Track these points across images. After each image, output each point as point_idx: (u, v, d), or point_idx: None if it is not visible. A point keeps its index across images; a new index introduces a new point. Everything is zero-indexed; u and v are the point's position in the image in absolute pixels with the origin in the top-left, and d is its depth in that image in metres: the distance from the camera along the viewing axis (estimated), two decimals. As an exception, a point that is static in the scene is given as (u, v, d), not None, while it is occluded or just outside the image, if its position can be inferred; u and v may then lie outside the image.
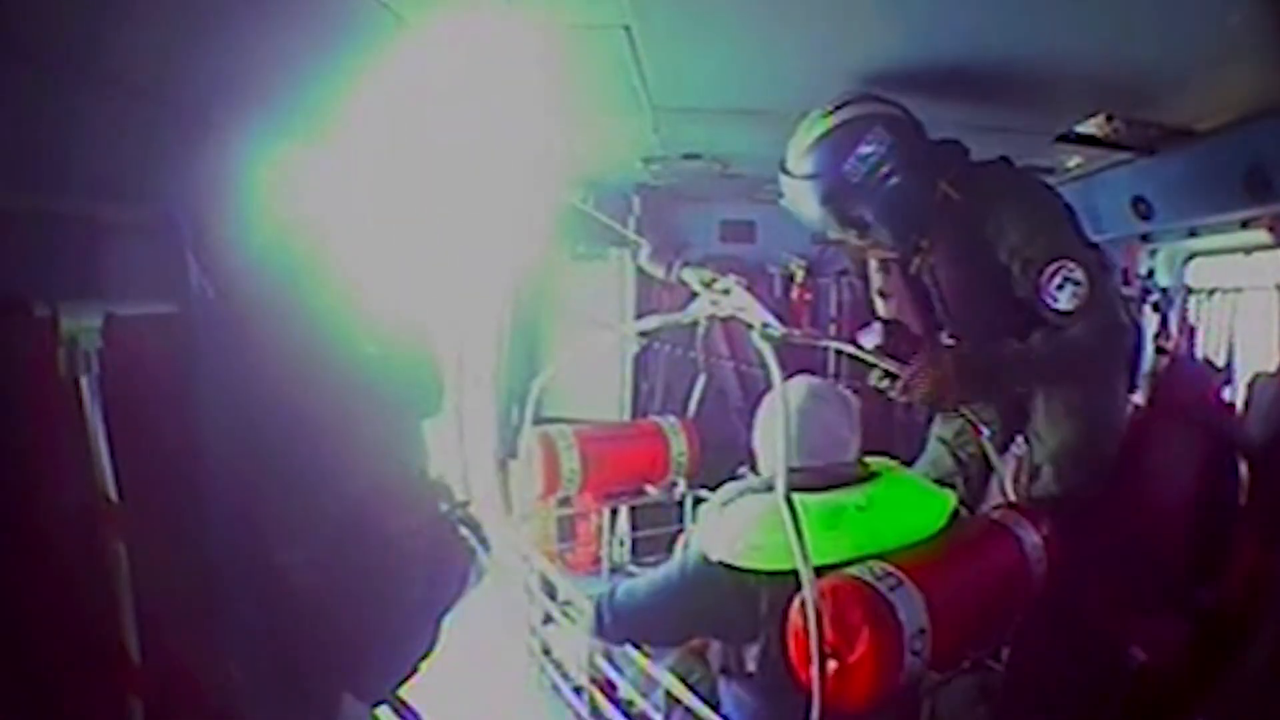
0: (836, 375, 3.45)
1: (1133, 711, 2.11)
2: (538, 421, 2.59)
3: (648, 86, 2.04)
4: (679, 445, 2.74)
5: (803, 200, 1.98)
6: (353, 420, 1.53)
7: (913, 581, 1.38)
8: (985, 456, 2.01)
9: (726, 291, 2.15)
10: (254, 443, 1.40)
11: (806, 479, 1.57)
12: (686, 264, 2.50)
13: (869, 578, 1.38)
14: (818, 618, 1.29)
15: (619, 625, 1.77)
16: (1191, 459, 2.63)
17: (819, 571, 1.34)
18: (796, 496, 1.39)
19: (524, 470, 2.46)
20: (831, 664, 1.32)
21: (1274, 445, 2.27)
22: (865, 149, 1.88)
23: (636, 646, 1.83)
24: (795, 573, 1.33)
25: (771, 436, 1.67)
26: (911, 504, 1.65)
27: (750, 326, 1.81)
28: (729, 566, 1.54)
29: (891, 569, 1.40)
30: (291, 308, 1.48)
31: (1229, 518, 2.40)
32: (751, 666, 1.60)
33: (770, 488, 1.46)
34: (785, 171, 1.99)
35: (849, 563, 1.44)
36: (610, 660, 1.97)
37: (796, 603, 1.35)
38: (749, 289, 2.17)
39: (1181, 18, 1.51)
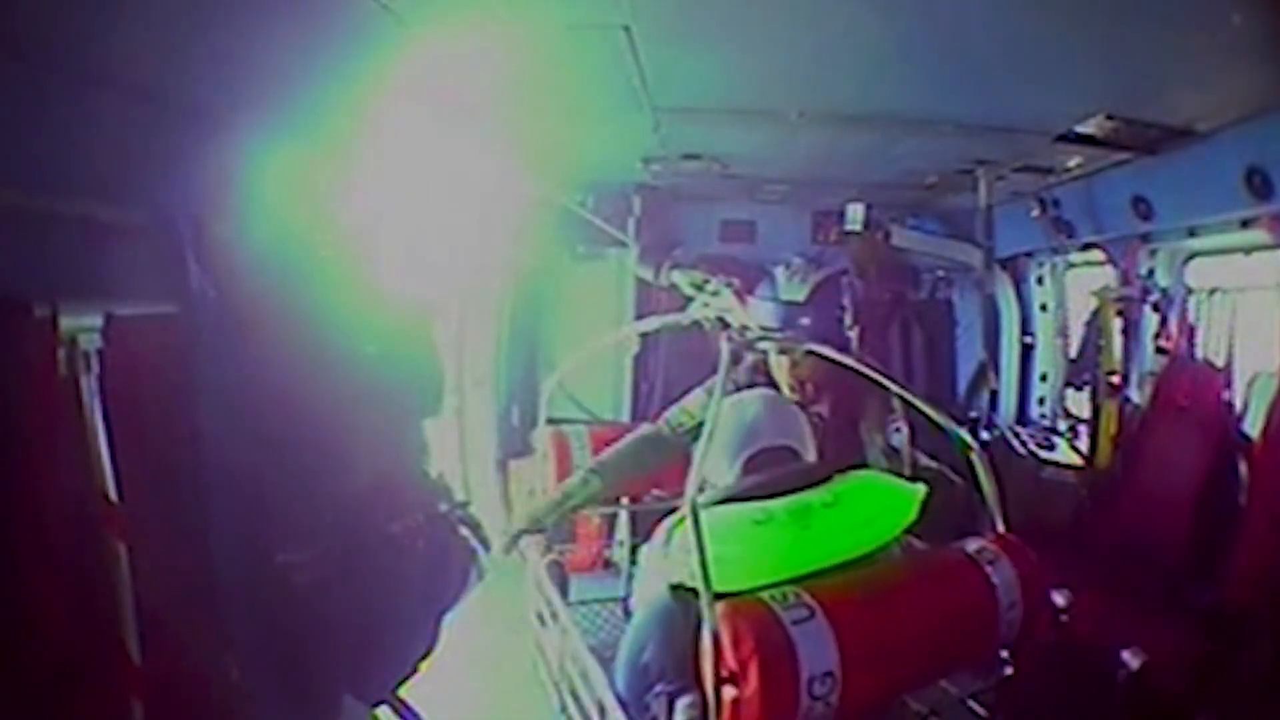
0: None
1: (1133, 712, 2.11)
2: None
3: (648, 86, 2.04)
4: None
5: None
6: (353, 420, 1.53)
7: (828, 617, 1.19)
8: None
9: (717, 293, 2.16)
10: (254, 443, 1.40)
11: (770, 484, 1.49)
12: (675, 266, 2.48)
13: (777, 606, 1.20)
14: (715, 641, 1.16)
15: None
16: (1192, 459, 2.64)
17: (806, 578, 1.25)
18: (764, 502, 1.36)
19: (539, 466, 2.45)
20: (730, 691, 1.17)
21: (1274, 445, 2.27)
22: None
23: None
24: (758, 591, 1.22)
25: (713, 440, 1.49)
26: (878, 498, 1.54)
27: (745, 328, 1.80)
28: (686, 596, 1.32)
29: (808, 600, 1.22)
30: (292, 308, 1.48)
31: (1229, 518, 2.40)
32: None
33: (725, 500, 1.40)
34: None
35: (826, 567, 1.32)
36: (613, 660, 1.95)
37: (703, 622, 1.19)
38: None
39: (1181, 17, 1.51)
